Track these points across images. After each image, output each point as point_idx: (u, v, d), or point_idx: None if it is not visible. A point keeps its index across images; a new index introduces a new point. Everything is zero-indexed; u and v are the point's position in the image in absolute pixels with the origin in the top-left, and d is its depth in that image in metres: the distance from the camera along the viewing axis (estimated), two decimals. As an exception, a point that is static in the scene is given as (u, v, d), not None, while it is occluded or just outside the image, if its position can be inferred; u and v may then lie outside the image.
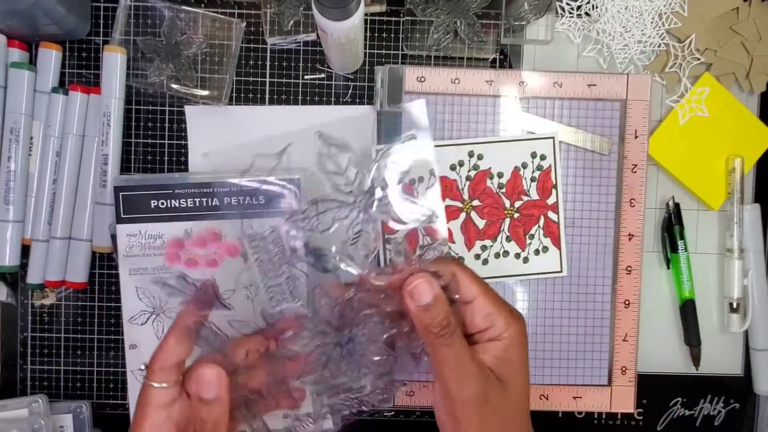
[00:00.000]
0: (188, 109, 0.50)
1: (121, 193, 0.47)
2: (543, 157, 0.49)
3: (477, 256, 0.49)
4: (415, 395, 0.50)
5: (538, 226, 0.49)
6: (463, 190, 0.49)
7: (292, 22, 0.49)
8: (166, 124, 0.50)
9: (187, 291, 0.38)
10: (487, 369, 0.37)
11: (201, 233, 0.47)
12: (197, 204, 0.48)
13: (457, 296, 0.38)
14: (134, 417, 0.37)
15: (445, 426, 0.38)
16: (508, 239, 0.49)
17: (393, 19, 0.50)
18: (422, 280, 0.36)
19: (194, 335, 0.37)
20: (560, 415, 0.53)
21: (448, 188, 0.49)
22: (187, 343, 0.37)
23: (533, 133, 0.50)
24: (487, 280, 0.49)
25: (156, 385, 0.36)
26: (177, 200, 0.48)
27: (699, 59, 0.51)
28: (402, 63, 0.51)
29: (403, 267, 0.38)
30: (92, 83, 0.50)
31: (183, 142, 0.50)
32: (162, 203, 0.47)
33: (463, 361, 0.36)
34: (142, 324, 0.47)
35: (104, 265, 0.51)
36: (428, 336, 0.37)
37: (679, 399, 0.53)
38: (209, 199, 0.48)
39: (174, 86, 0.49)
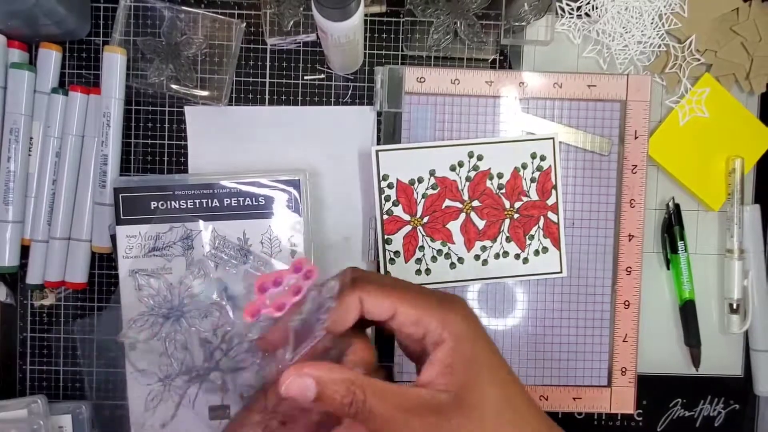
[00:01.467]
0: (188, 110, 0.50)
1: (120, 195, 0.47)
2: (543, 158, 0.49)
3: (477, 257, 0.49)
4: (415, 396, 0.50)
5: (538, 227, 0.49)
6: (463, 190, 0.49)
7: (291, 23, 0.49)
8: (166, 125, 0.50)
9: None
10: (431, 398, 0.30)
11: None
12: (197, 205, 0.48)
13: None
14: None
15: None
16: (508, 240, 0.49)
17: (393, 19, 0.50)
18: (292, 378, 0.30)
19: None
20: (560, 415, 0.53)
21: (448, 189, 0.49)
22: None
23: (533, 133, 0.50)
24: (486, 281, 0.50)
25: None
26: (177, 201, 0.48)
27: (699, 60, 0.51)
28: (402, 63, 0.51)
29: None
30: (92, 84, 0.50)
31: (183, 143, 0.50)
32: (162, 204, 0.47)
33: (393, 416, 0.30)
34: (141, 325, 0.47)
35: (104, 265, 0.50)
36: (341, 414, 0.30)
37: (679, 400, 0.53)
38: (209, 201, 0.48)
39: (174, 87, 0.49)
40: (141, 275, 0.47)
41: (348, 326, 0.33)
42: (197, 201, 0.48)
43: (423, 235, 0.49)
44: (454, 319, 0.31)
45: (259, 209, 0.48)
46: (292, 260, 0.36)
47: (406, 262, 0.49)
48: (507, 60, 0.51)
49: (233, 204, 0.48)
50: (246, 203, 0.48)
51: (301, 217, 0.48)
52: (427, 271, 0.49)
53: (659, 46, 0.51)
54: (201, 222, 0.47)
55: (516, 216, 0.49)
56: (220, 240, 0.48)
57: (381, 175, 0.48)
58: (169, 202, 0.47)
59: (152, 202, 0.47)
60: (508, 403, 0.31)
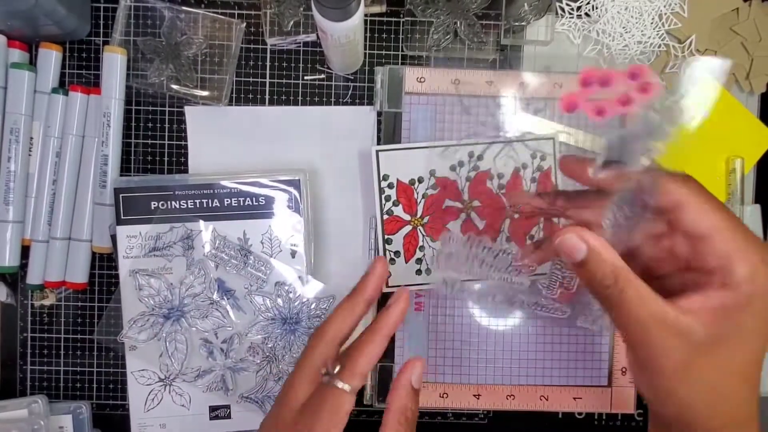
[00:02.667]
0: (188, 110, 0.50)
1: (121, 195, 0.47)
2: (543, 158, 0.49)
3: (477, 257, 0.49)
4: (415, 396, 0.50)
5: (538, 227, 0.49)
6: (463, 190, 0.49)
7: (292, 23, 0.49)
8: (166, 125, 0.50)
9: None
10: (687, 326, 0.29)
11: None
12: (197, 205, 0.48)
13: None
14: (321, 426, 0.34)
15: (645, 393, 0.32)
16: (508, 240, 0.49)
17: (393, 19, 0.50)
18: (570, 234, 0.30)
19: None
20: (560, 416, 0.53)
21: (449, 189, 0.49)
22: (383, 348, 0.37)
23: (533, 133, 0.50)
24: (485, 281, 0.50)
25: (348, 388, 0.34)
26: (177, 201, 0.48)
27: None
28: (402, 63, 0.51)
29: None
30: (92, 84, 0.50)
31: (183, 143, 0.50)
32: (162, 204, 0.47)
33: (643, 326, 0.29)
34: (141, 325, 0.47)
35: (104, 265, 0.50)
36: (592, 294, 0.31)
37: (680, 400, 0.53)
38: (209, 201, 0.48)
39: (174, 87, 0.49)
40: (141, 275, 0.47)
41: (649, 203, 0.31)
42: (197, 201, 0.48)
43: (423, 235, 0.49)
44: (764, 279, 0.29)
45: (260, 209, 0.48)
46: (627, 67, 0.31)
47: (406, 262, 0.49)
48: (507, 60, 0.51)
49: (233, 204, 0.48)
50: (246, 203, 0.48)
51: (301, 217, 0.48)
52: (428, 271, 0.49)
53: (659, 46, 0.51)
54: (201, 222, 0.48)
55: (516, 216, 0.49)
56: (221, 240, 0.48)
57: (381, 175, 0.48)
58: (169, 202, 0.47)
59: (152, 202, 0.47)
60: (742, 376, 0.30)
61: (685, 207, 0.30)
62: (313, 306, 0.48)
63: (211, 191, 0.48)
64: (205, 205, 0.48)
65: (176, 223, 0.47)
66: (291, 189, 0.48)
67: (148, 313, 0.47)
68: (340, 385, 0.34)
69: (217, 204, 0.48)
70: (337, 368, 0.35)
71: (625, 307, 0.29)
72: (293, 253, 0.48)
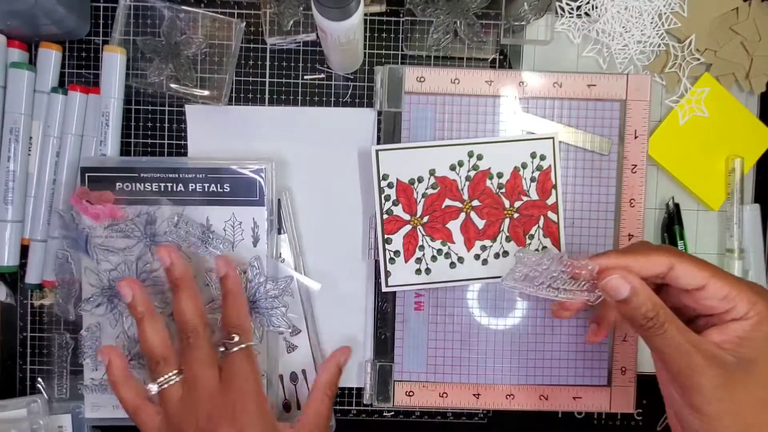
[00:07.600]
0: (188, 109, 0.50)
1: (87, 174, 0.47)
2: (543, 158, 0.49)
3: (477, 256, 0.49)
4: (415, 395, 0.50)
5: (538, 227, 0.49)
6: (462, 190, 0.49)
7: (291, 22, 0.49)
8: (166, 124, 0.50)
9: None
10: (720, 353, 0.35)
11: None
12: (162, 189, 0.47)
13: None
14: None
15: (690, 420, 0.36)
16: (508, 239, 0.49)
17: (393, 19, 0.50)
18: (615, 277, 0.36)
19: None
20: (560, 415, 0.53)
21: (448, 188, 0.49)
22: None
23: (533, 133, 0.50)
24: (486, 281, 0.50)
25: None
26: (142, 184, 0.47)
27: (699, 59, 0.51)
28: (402, 63, 0.51)
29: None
30: (92, 83, 0.50)
31: (182, 143, 0.50)
32: (127, 186, 0.47)
33: (684, 351, 0.35)
34: (96, 306, 0.47)
35: (104, 265, 0.50)
36: (636, 329, 0.37)
37: (679, 399, 0.53)
38: (174, 185, 0.47)
39: (173, 86, 0.49)
40: (100, 249, 0.47)
41: (644, 274, 0.37)
42: (162, 184, 0.47)
43: (423, 235, 0.49)
44: (763, 304, 0.35)
45: (224, 196, 0.48)
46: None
47: (406, 262, 0.49)
48: (507, 59, 0.51)
49: (198, 189, 0.48)
50: (211, 189, 0.48)
51: (265, 206, 0.48)
52: (427, 270, 0.49)
53: (659, 46, 0.51)
54: (165, 207, 0.47)
55: (516, 215, 0.49)
56: (183, 220, 0.47)
57: (381, 174, 0.48)
58: (134, 185, 0.47)
59: (117, 183, 0.47)
60: None
61: (677, 268, 0.37)
62: (269, 286, 0.48)
63: (177, 175, 0.47)
64: (170, 189, 0.47)
65: (140, 205, 0.47)
66: (257, 178, 0.48)
67: (107, 287, 0.47)
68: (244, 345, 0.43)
69: (182, 188, 0.47)
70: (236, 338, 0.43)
71: (668, 337, 0.35)
72: (255, 242, 0.48)
